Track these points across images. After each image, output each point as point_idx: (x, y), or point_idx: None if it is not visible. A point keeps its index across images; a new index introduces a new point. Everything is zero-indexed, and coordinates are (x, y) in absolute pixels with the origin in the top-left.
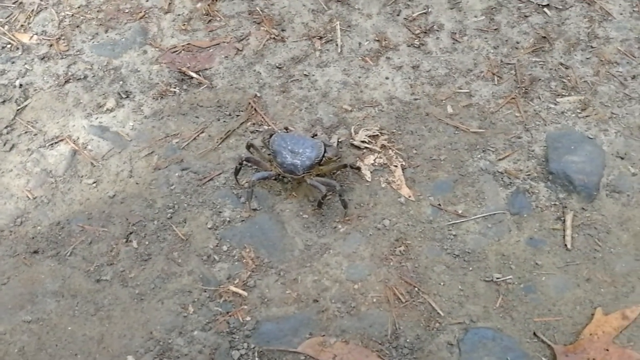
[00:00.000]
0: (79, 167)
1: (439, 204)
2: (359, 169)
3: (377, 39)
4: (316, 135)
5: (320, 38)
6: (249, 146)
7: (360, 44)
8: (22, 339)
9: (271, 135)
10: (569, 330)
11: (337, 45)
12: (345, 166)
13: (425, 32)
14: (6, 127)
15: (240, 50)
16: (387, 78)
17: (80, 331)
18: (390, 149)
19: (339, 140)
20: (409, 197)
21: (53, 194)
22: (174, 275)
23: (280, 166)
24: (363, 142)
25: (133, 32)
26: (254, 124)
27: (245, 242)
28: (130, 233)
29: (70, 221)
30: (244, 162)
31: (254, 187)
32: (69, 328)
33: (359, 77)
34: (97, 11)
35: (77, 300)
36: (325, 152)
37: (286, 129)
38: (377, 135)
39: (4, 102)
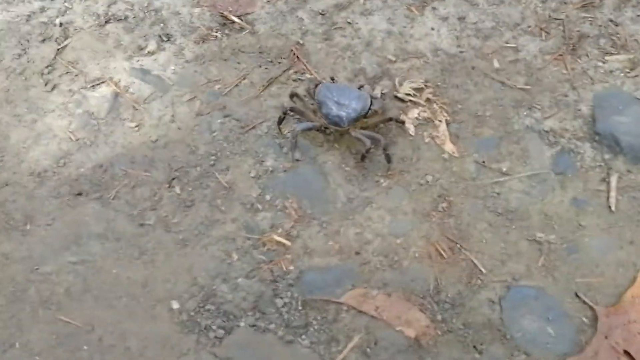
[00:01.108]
0: (121, 110)
1: (483, 161)
2: (403, 122)
3: None
4: (362, 86)
5: None
6: (293, 95)
7: None
8: (67, 279)
9: (316, 85)
10: (611, 292)
11: None
12: (390, 119)
13: None
14: (47, 67)
15: None
16: (432, 29)
17: (125, 274)
18: (434, 102)
19: (383, 92)
20: (453, 153)
21: (96, 137)
22: (217, 222)
23: (325, 117)
24: (407, 94)
25: None
26: (296, 72)
27: (288, 193)
28: (173, 179)
29: (113, 164)
30: (288, 112)
31: (297, 138)
32: (114, 271)
33: (404, 27)
34: None
35: (121, 244)
36: (371, 104)
37: (332, 79)
38: (422, 88)
39: (44, 40)
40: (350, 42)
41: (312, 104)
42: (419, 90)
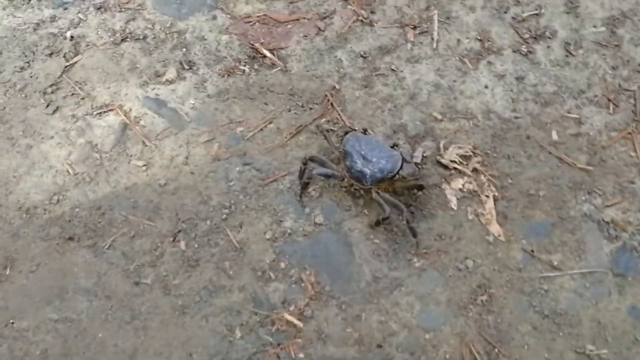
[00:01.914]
0: (128, 144)
1: (532, 250)
2: (422, 188)
3: (479, 37)
4: (397, 145)
5: (414, 27)
6: (322, 133)
7: (459, 41)
8: (46, 339)
9: (346, 133)
10: None
11: (432, 38)
12: (421, 187)
13: (535, 38)
14: (51, 86)
15: (322, 31)
16: (486, 87)
17: (112, 340)
18: (482, 174)
19: (424, 154)
20: (499, 235)
21: (97, 172)
22: (223, 289)
23: (348, 170)
24: (452, 161)
25: None
26: (328, 121)
27: (306, 262)
28: (179, 231)
29: (112, 207)
30: (309, 163)
31: (310, 181)
32: (100, 335)
33: (454, 81)
34: None
35: (112, 303)
36: (401, 168)
37: (364, 130)
38: (469, 155)
39: (51, 54)
40: (393, 93)
41: (338, 151)
42: (465, 157)
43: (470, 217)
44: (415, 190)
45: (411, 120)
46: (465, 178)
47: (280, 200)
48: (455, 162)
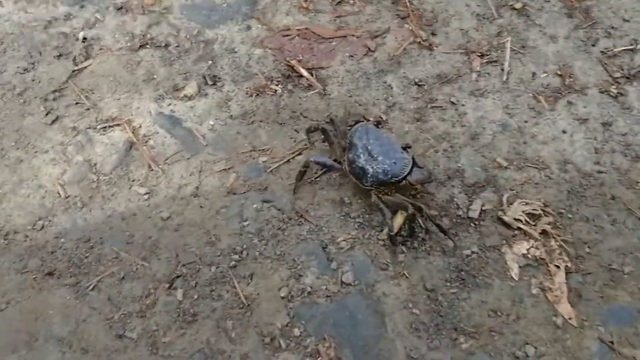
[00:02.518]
0: (132, 166)
1: (611, 341)
2: (428, 217)
3: (559, 72)
4: (409, 147)
5: (482, 55)
6: (330, 121)
7: (534, 74)
8: None
9: (356, 122)
10: None
11: (502, 69)
12: (419, 209)
13: (628, 78)
14: (54, 92)
15: (372, 51)
16: (564, 131)
17: None
18: (553, 238)
19: (483, 208)
20: (569, 318)
21: (91, 197)
22: (222, 354)
23: (349, 164)
24: (517, 219)
25: None
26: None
27: (325, 331)
28: (177, 277)
29: (104, 240)
30: (321, 127)
31: (306, 169)
32: None
33: (525, 122)
34: None
35: (88, 358)
36: (409, 173)
37: (378, 122)
38: (539, 214)
39: (59, 56)
40: (450, 130)
41: (343, 140)
42: (533, 216)
43: (534, 291)
44: (418, 210)
45: (470, 165)
46: (532, 242)
47: (302, 250)
48: (520, 220)
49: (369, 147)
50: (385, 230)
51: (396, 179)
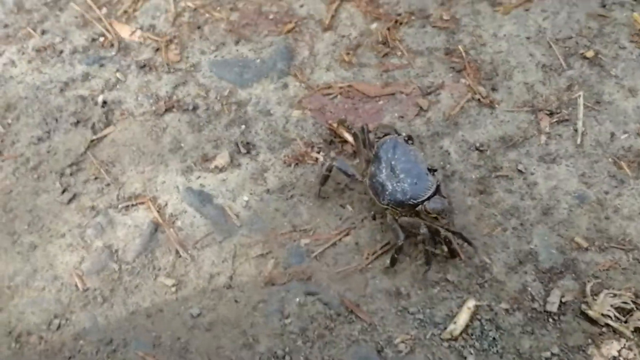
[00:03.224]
0: (157, 252)
1: None
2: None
3: None
4: (435, 171)
5: (551, 114)
6: (362, 129)
7: (613, 135)
8: None
9: (385, 135)
10: None
11: (575, 130)
12: (440, 237)
13: None
14: (71, 165)
15: (424, 110)
16: None
17: None
18: None
19: (563, 299)
20: None
21: (112, 290)
22: None
23: (370, 177)
24: (605, 315)
25: (274, 51)
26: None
27: None
28: None
29: (127, 342)
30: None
31: (329, 174)
32: None
33: (606, 193)
34: (230, 9)
35: None
36: (428, 198)
37: (408, 139)
38: (630, 308)
39: (77, 123)
40: (519, 204)
41: (369, 152)
42: (624, 310)
43: None
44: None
45: (544, 246)
46: (623, 341)
47: (354, 354)
48: (609, 316)
49: (393, 163)
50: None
51: (414, 201)
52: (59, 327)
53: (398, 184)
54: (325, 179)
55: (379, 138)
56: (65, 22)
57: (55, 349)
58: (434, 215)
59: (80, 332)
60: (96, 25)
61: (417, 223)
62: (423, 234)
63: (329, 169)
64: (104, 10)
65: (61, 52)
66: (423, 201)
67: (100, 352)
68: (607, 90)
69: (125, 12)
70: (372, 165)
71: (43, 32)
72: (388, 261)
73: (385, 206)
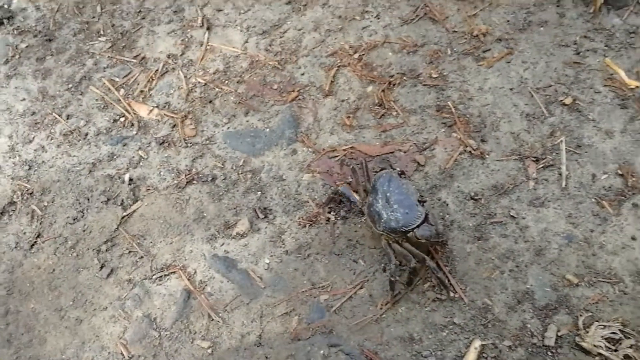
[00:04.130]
0: (192, 317)
1: None
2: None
3: (619, 171)
4: (424, 202)
5: (537, 160)
6: (361, 164)
7: (594, 176)
8: None
9: (382, 169)
10: None
11: (560, 174)
12: (422, 260)
13: None
14: (106, 242)
15: (422, 166)
16: (633, 238)
17: None
18: None
19: (559, 334)
20: None
21: (155, 355)
22: None
23: (368, 206)
24: (596, 346)
25: (281, 120)
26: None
27: None
28: None
29: None
30: (352, 166)
31: (335, 196)
32: None
33: (591, 231)
34: (237, 81)
35: None
36: (417, 226)
37: (402, 173)
38: (619, 338)
39: (107, 201)
40: (514, 247)
41: (367, 183)
42: (613, 340)
43: None
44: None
45: (539, 285)
46: None
47: None
48: (600, 346)
49: (388, 194)
50: (389, 273)
51: (405, 228)
52: None
53: (392, 213)
54: (330, 200)
55: (377, 172)
56: (87, 105)
57: None
58: (423, 241)
59: None
60: (116, 106)
61: (408, 257)
62: (430, 265)
63: (335, 192)
64: (122, 91)
65: (86, 134)
66: (413, 229)
67: None
68: (586, 134)
69: (142, 91)
70: (370, 196)
71: (68, 117)
72: (388, 286)
73: (381, 232)
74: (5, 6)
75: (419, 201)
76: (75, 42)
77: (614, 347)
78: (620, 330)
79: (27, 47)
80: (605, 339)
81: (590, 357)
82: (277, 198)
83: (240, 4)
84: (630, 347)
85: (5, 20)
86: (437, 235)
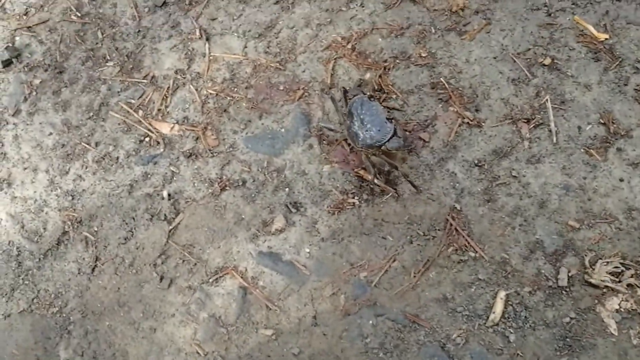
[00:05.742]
0: (252, 310)
1: None
2: (407, 176)
3: (602, 120)
4: (393, 119)
5: (528, 121)
6: (345, 91)
7: (580, 128)
8: None
9: (354, 96)
10: None
11: (550, 131)
12: (395, 168)
13: None
14: (160, 255)
15: (427, 142)
16: (621, 180)
17: None
18: (639, 287)
19: (570, 274)
20: None
21: (227, 349)
22: None
23: (347, 129)
24: (603, 280)
25: (293, 118)
26: (456, 250)
27: None
28: None
29: None
30: (331, 96)
31: (321, 133)
32: None
33: (584, 179)
34: (245, 87)
35: None
36: (388, 140)
37: (371, 97)
38: (621, 270)
39: (152, 217)
40: (519, 203)
41: (343, 111)
42: (616, 273)
43: (635, 341)
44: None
45: (547, 234)
46: (621, 296)
47: (425, 354)
48: (606, 280)
49: (362, 117)
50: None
51: (379, 144)
52: None
53: (367, 132)
54: (319, 141)
55: (350, 98)
56: (111, 130)
57: None
58: (394, 152)
59: None
60: (138, 127)
61: (384, 164)
62: (402, 171)
63: (318, 131)
64: (140, 112)
65: (117, 158)
66: (385, 143)
67: None
68: (567, 90)
69: (159, 110)
70: (347, 120)
71: (97, 144)
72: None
73: (360, 149)
74: (10, 44)
75: (388, 119)
76: (85, 71)
77: (618, 279)
78: (620, 263)
79: (40, 82)
80: (609, 273)
81: (599, 290)
82: (304, 192)
83: (232, 10)
84: (632, 276)
85: (14, 60)
86: (404, 145)
